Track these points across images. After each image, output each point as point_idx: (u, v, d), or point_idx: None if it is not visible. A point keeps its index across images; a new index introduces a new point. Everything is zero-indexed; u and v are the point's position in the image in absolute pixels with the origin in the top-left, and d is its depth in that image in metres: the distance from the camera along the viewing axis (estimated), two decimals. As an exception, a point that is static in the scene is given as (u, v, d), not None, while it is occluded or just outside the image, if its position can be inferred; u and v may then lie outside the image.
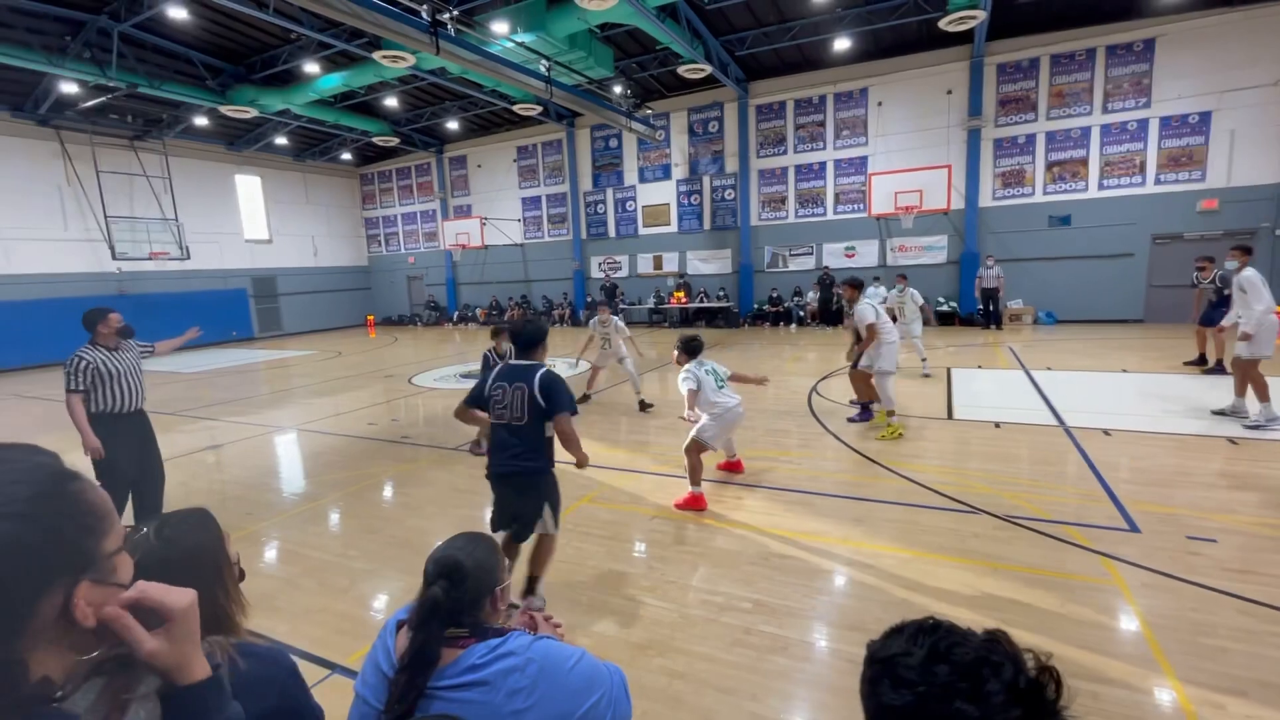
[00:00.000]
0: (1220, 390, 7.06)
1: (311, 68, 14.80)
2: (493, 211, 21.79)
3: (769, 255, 17.75)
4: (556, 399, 3.13)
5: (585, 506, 4.87)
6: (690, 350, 4.95)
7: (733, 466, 5.46)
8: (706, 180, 18.18)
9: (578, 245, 20.63)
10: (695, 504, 4.67)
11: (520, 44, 11.73)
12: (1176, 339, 11.22)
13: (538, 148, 20.89)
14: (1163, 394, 7.50)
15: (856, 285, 6.81)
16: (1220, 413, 6.40)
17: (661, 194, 19.03)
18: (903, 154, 15.58)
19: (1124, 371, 8.99)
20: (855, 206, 16.44)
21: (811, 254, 17.20)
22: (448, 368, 12.59)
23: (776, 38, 14.28)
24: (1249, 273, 6.14)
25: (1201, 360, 8.80)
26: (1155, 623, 3.04)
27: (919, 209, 14.64)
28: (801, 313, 16.97)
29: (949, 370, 9.71)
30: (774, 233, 17.61)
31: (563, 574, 3.75)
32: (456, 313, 23.02)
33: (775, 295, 17.44)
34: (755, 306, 17.85)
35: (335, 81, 14.63)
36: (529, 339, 3.29)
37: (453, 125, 20.07)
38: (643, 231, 19.54)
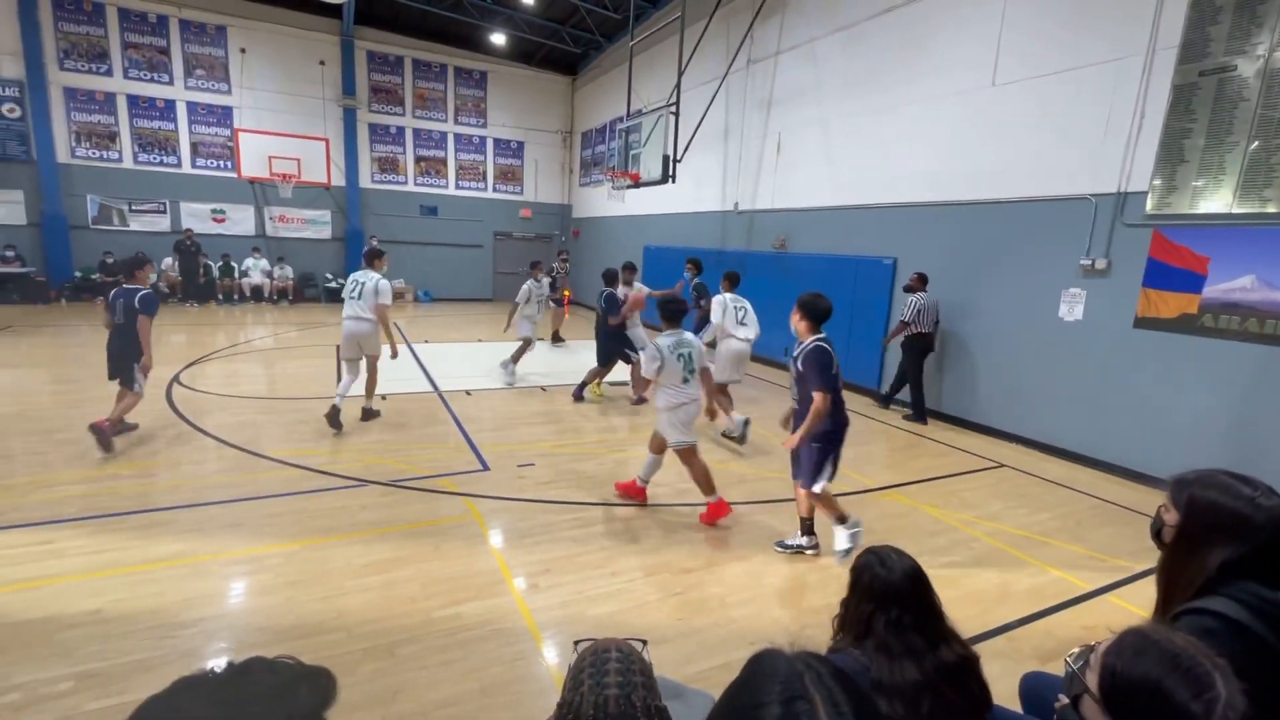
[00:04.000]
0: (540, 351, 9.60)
1: None
2: None
3: (95, 207, 13.35)
4: None
5: None
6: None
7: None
8: (-41, 80, 12.03)
9: None
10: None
11: None
12: (512, 314, 14.62)
13: None
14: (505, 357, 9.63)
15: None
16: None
17: None
18: (275, 115, 14.32)
19: (480, 341, 11.09)
20: (222, 163, 14.17)
21: (164, 212, 13.92)
22: None
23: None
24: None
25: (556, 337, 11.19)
26: (497, 538, 3.89)
27: (298, 179, 13.87)
28: (160, 285, 13.58)
29: (339, 347, 9.71)
30: (102, 177, 13.31)
31: None
32: None
33: (112, 261, 13.31)
34: (77, 275, 13.20)
35: None
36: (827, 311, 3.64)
37: None
38: None
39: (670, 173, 9.73)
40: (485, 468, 5.06)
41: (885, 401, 7.64)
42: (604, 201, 14.23)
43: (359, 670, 2.62)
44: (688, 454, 4.20)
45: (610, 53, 15.01)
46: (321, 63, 14.66)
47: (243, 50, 13.94)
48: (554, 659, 2.78)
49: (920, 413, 7.10)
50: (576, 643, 1.11)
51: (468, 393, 7.38)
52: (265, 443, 5.34)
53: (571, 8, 13.79)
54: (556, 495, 4.57)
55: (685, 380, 4.13)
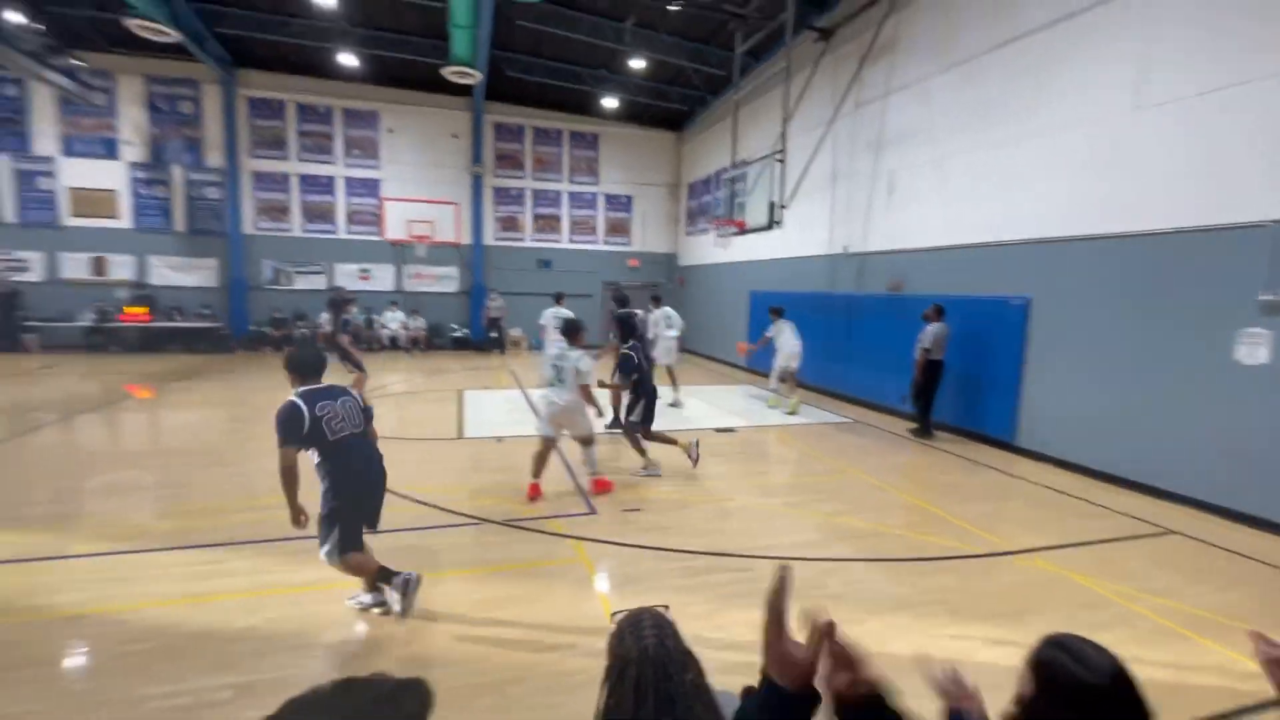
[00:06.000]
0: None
1: None
2: None
3: (270, 271, 15.52)
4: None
5: None
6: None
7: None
8: (179, 172, 14.64)
9: (-67, 229, 13.52)
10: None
11: None
12: (620, 360, 14.98)
13: None
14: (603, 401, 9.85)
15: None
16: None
17: (103, 176, 14.31)
18: (415, 184, 16.08)
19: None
20: (369, 229, 16.04)
21: (323, 273, 15.89)
22: None
23: (271, 28, 12.72)
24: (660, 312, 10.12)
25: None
26: (603, 582, 3.92)
27: (432, 239, 15.34)
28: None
29: (460, 392, 10.43)
30: (276, 245, 15.52)
31: None
32: None
33: (279, 316, 15.34)
34: (252, 329, 15.30)
35: None
36: (315, 365, 3.57)
37: None
38: (69, 222, 14.27)
39: (775, 218, 9.72)
40: (592, 511, 5.15)
41: (925, 431, 8.05)
42: (708, 249, 14.44)
43: (474, 704, 2.71)
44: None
45: (715, 107, 15.47)
46: (455, 136, 16.33)
47: (390, 130, 15.88)
48: (659, 712, 2.72)
49: (926, 429, 7.95)
50: (614, 614, 1.34)
51: (577, 437, 7.59)
52: (395, 480, 5.78)
53: (678, 68, 14.45)
54: (661, 542, 4.55)
55: (552, 385, 5.43)
